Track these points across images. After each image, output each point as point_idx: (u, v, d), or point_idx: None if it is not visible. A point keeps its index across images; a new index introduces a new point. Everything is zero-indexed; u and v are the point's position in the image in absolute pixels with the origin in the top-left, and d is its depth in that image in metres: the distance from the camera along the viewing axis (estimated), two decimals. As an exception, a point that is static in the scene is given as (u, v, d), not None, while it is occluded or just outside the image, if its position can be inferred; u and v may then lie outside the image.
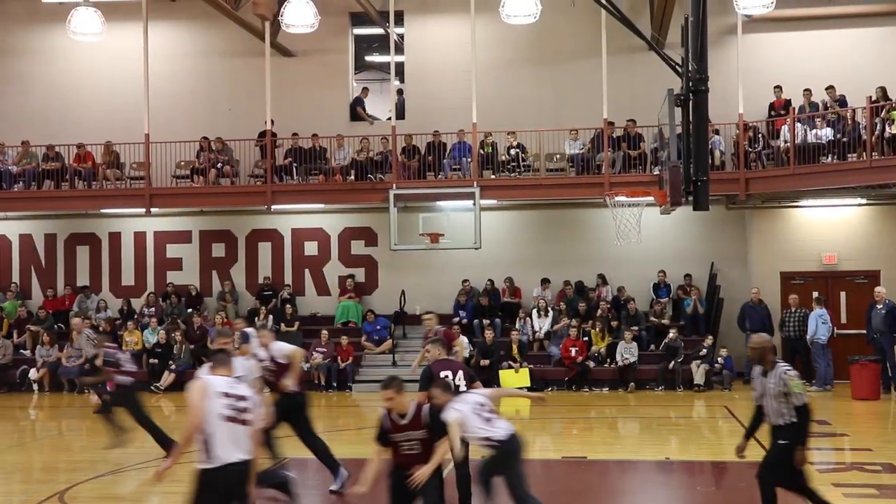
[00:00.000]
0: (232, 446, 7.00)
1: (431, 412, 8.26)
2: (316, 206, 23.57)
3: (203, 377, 7.32)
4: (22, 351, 23.25)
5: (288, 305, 23.31)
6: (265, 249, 24.48)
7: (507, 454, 8.70)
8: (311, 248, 24.39)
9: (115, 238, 24.80)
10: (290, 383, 11.02)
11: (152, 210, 23.17)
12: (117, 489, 11.74)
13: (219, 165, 23.04)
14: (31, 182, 23.39)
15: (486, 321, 22.23)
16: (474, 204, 21.20)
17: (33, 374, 22.38)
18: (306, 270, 24.39)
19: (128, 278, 24.74)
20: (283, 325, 22.87)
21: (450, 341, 13.59)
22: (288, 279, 24.23)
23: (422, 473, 7.98)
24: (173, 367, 21.73)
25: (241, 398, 7.15)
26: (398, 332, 22.81)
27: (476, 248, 21.37)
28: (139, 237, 24.71)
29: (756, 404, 8.94)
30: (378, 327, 22.78)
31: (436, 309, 23.01)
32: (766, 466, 8.80)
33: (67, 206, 23.77)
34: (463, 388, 9.91)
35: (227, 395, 7.10)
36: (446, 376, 9.88)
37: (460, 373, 9.92)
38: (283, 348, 11.19)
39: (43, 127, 24.02)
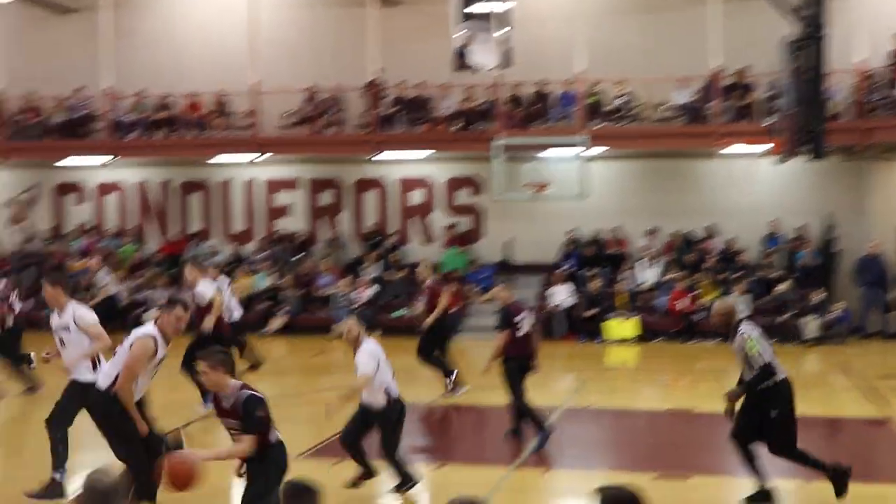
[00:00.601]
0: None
1: (246, 403, 6.78)
2: (421, 154, 23.65)
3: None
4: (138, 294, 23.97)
5: (394, 253, 23.56)
6: (371, 198, 24.71)
7: (398, 413, 8.90)
8: (416, 196, 24.53)
9: (225, 186, 25.35)
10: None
11: (260, 159, 23.60)
12: (205, 438, 11.72)
13: (331, 114, 23.33)
14: (146, 131, 24.09)
15: (591, 271, 22.10)
16: (580, 154, 20.94)
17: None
18: (411, 219, 24.57)
19: (237, 225, 25.32)
20: (389, 272, 23.12)
21: (434, 297, 14.07)
22: (393, 227, 24.46)
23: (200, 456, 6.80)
24: (285, 310, 22.22)
25: None
26: (503, 282, 22.81)
27: (582, 198, 21.17)
28: (248, 185, 25.22)
29: None
30: (483, 276, 22.85)
31: (540, 258, 23.19)
32: (740, 428, 8.77)
33: (180, 153, 24.44)
34: (528, 329, 10.94)
35: None
36: (522, 318, 10.61)
37: (529, 313, 11.09)
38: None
39: (155, 77, 24.55)
